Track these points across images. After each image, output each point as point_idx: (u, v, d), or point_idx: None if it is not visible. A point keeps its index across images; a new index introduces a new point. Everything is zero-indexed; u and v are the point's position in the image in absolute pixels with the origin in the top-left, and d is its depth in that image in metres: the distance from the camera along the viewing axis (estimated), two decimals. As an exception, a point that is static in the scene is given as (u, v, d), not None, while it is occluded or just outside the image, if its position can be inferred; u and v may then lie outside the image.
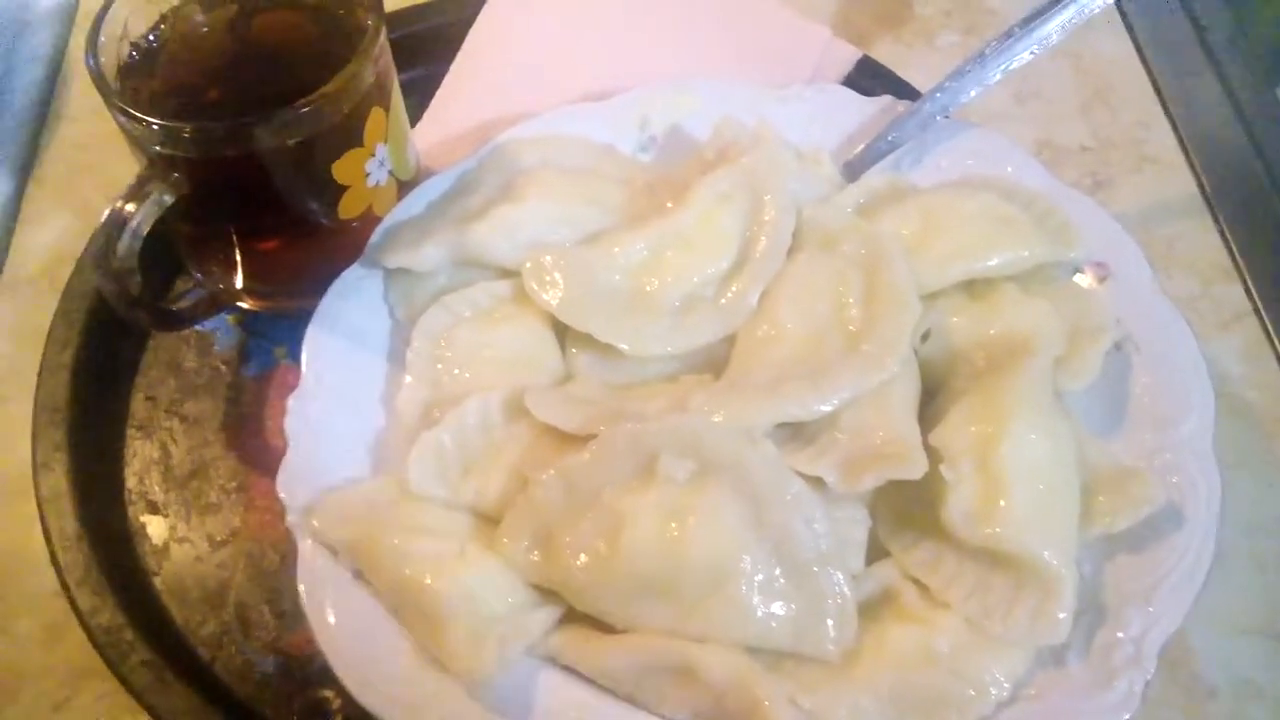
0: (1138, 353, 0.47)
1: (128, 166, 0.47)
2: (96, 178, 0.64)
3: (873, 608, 0.42)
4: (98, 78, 0.46)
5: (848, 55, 0.62)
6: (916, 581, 0.42)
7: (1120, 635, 0.40)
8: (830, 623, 0.40)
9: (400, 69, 0.52)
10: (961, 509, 0.41)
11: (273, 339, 0.56)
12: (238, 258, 0.51)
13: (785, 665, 0.40)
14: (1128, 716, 0.38)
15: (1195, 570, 0.41)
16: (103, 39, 0.47)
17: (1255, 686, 0.46)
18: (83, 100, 0.68)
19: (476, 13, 0.63)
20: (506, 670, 0.40)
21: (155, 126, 0.44)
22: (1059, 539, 0.40)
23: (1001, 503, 0.40)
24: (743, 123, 0.53)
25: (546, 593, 0.42)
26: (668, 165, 0.55)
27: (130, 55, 0.49)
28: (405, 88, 0.53)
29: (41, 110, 0.67)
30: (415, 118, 0.59)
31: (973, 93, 0.53)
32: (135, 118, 0.44)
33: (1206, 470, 0.43)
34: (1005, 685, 0.39)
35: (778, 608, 0.40)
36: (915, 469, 0.41)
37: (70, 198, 0.63)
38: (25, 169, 0.65)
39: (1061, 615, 0.39)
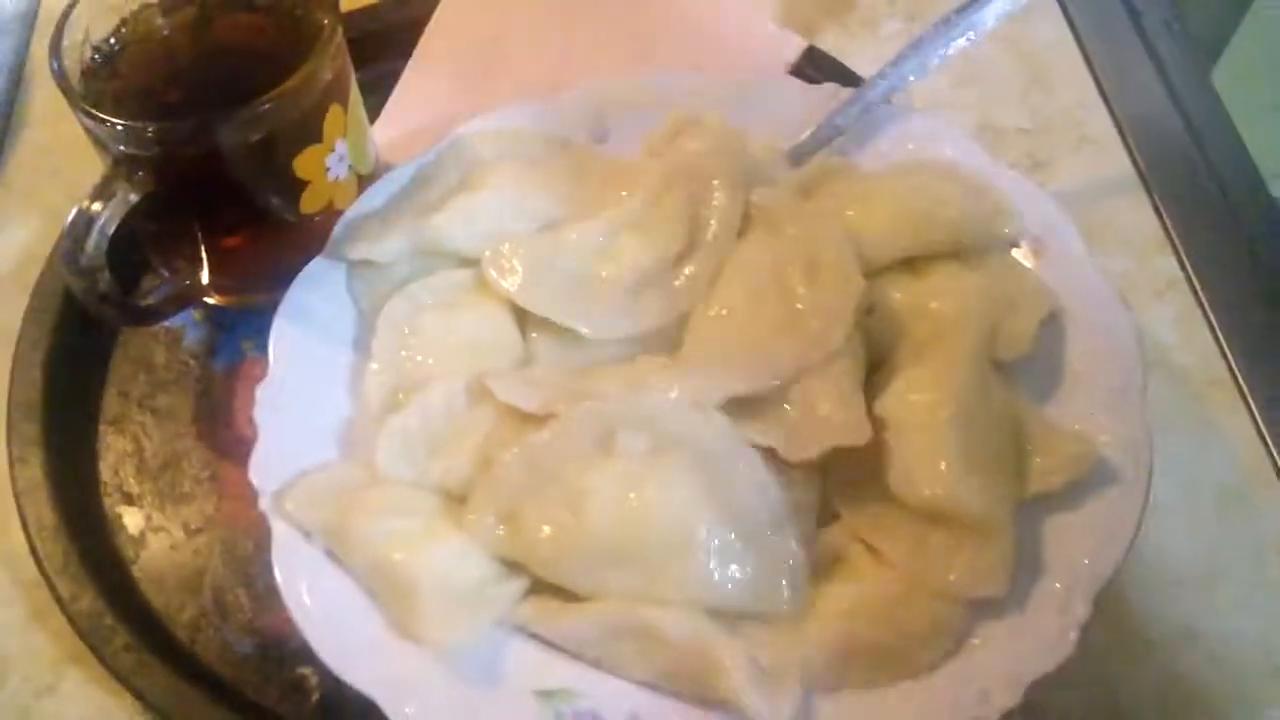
0: (1072, 323, 0.50)
1: (91, 169, 0.48)
2: (61, 181, 0.65)
3: (824, 568, 0.44)
4: (61, 80, 0.47)
5: (794, 45, 0.64)
6: (865, 542, 0.44)
7: (1056, 585, 0.42)
8: (784, 582, 0.42)
9: (358, 68, 0.53)
10: (904, 473, 0.43)
11: (240, 333, 0.57)
12: (203, 254, 0.53)
13: (744, 627, 0.42)
14: (1062, 658, 0.40)
15: (1127, 521, 0.43)
16: (65, 43, 0.48)
17: (1192, 633, 0.48)
18: (45, 106, 0.69)
19: (431, 12, 0.65)
20: (477, 640, 0.42)
21: (119, 127, 0.45)
22: (996, 498, 0.43)
23: (942, 465, 0.42)
24: (693, 113, 0.55)
25: (513, 565, 0.44)
26: (621, 156, 0.57)
27: (92, 58, 0.50)
28: (363, 86, 0.54)
29: (4, 117, 0.68)
30: (374, 115, 0.61)
31: (912, 79, 0.55)
32: (99, 119, 0.45)
33: (1137, 429, 0.45)
34: (948, 636, 0.41)
35: (734, 571, 0.42)
36: (860, 436, 0.43)
37: (36, 201, 0.64)
38: (-10, 174, 0.66)
39: (999, 569, 0.42)
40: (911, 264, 0.50)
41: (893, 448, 0.44)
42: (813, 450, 0.43)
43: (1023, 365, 0.48)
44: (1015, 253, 0.52)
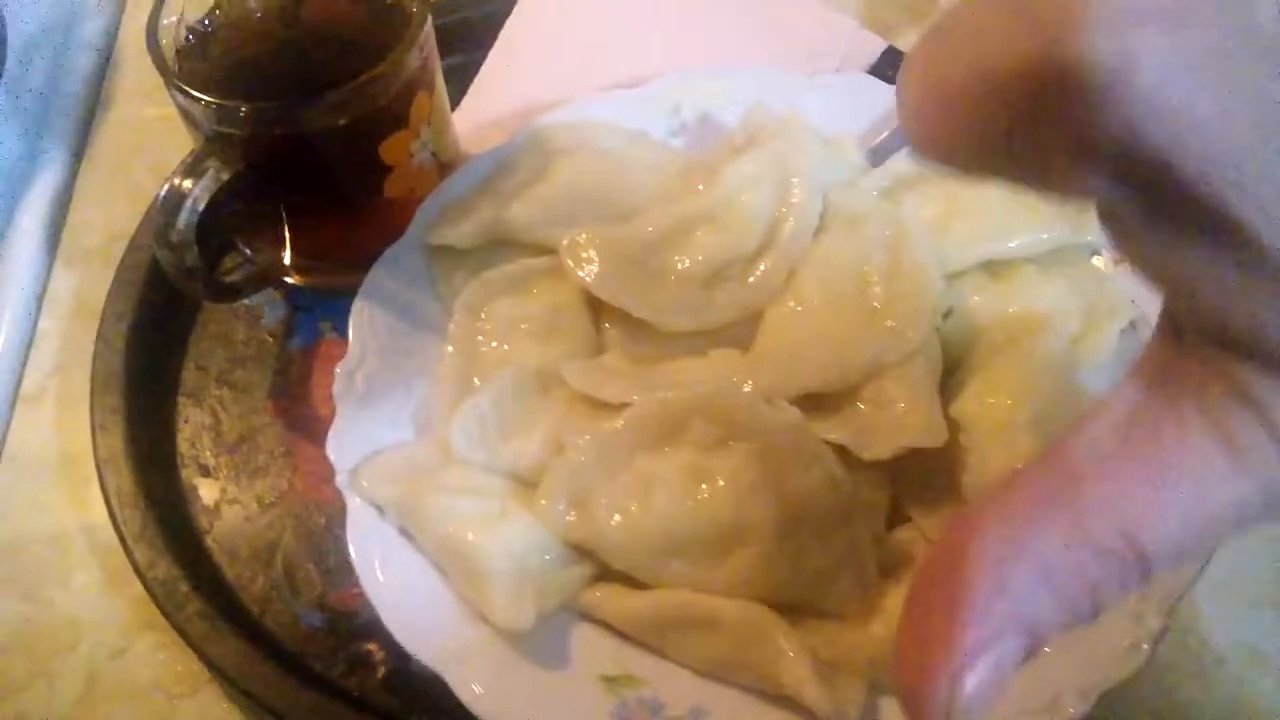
0: (1152, 331, 0.49)
1: (175, 148, 0.50)
2: (146, 159, 0.66)
3: (892, 568, 0.44)
4: (158, 59, 0.48)
5: (874, 45, 0.64)
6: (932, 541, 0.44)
7: (1130, 596, 0.42)
8: (850, 579, 0.42)
9: (441, 56, 0.54)
10: (979, 476, 0.43)
11: (318, 314, 0.58)
12: (286, 234, 0.54)
13: (806, 622, 0.42)
14: (1134, 669, 0.40)
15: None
16: (162, 23, 0.49)
17: (1261, 655, 0.48)
18: (132, 86, 0.71)
19: (513, 5, 0.65)
20: (545, 623, 0.43)
21: (212, 105, 0.46)
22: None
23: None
24: (771, 110, 0.55)
25: (581, 551, 0.44)
26: (698, 150, 0.57)
27: (186, 39, 0.51)
28: (446, 74, 0.55)
29: (94, 95, 0.70)
30: (455, 104, 0.61)
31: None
32: (194, 96, 0.46)
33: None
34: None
35: (800, 565, 0.42)
36: (935, 438, 0.43)
37: (122, 178, 0.66)
38: (79, 151, 0.67)
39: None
40: (991, 267, 0.50)
41: (967, 450, 0.43)
42: (886, 450, 0.43)
43: (1100, 372, 0.48)
44: (1095, 260, 0.51)
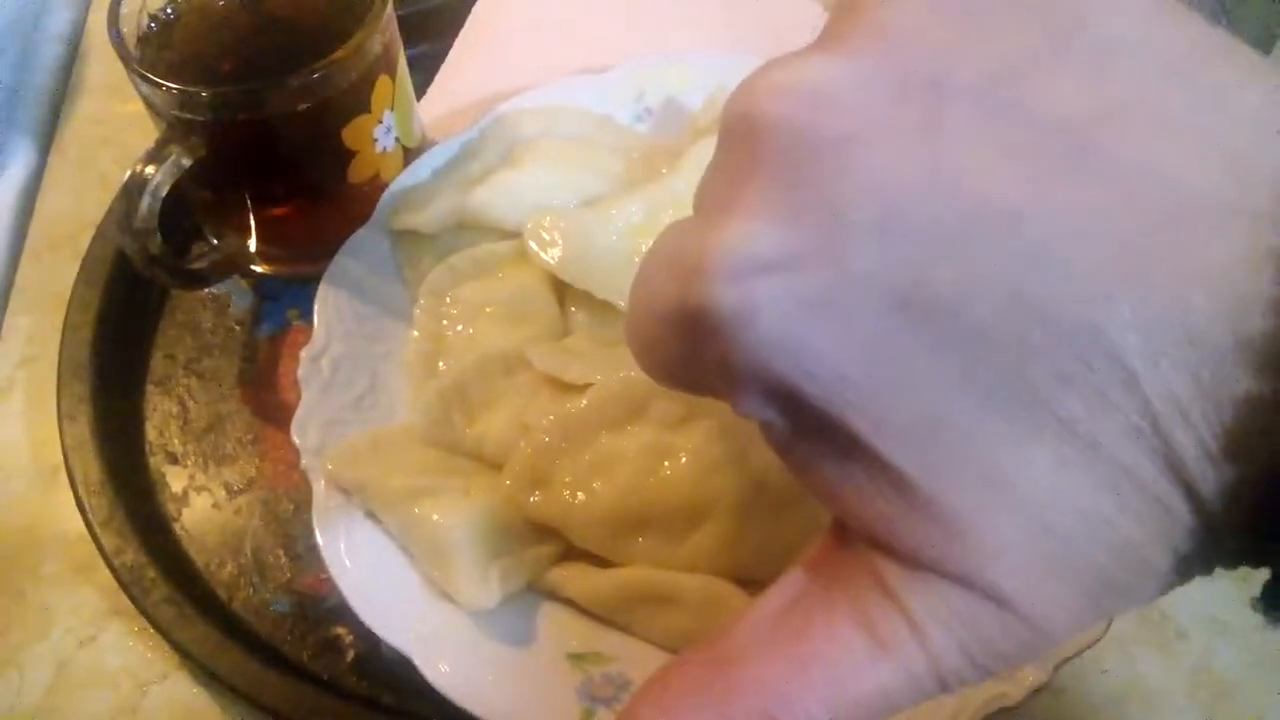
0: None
1: (143, 140, 0.49)
2: (113, 150, 0.66)
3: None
4: (119, 46, 0.48)
5: (838, 30, 0.64)
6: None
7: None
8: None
9: (406, 44, 0.54)
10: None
11: (285, 302, 0.58)
12: (251, 222, 0.54)
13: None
14: (1093, 640, 0.40)
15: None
16: (124, 11, 0.49)
17: (1222, 624, 0.48)
18: (100, 77, 0.70)
19: (479, -8, 0.66)
20: (511, 603, 0.43)
21: (173, 91, 0.46)
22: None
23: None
24: (735, 93, 0.55)
25: (546, 530, 0.45)
26: (663, 135, 0.57)
27: (149, 26, 0.51)
28: (411, 63, 0.55)
29: (61, 87, 0.70)
30: (420, 92, 0.62)
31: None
32: (154, 82, 0.46)
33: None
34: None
35: (762, 540, 0.42)
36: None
37: (89, 169, 0.66)
38: (46, 143, 0.67)
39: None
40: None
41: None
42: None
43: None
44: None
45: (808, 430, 0.22)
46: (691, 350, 0.22)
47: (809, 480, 0.23)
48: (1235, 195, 0.19)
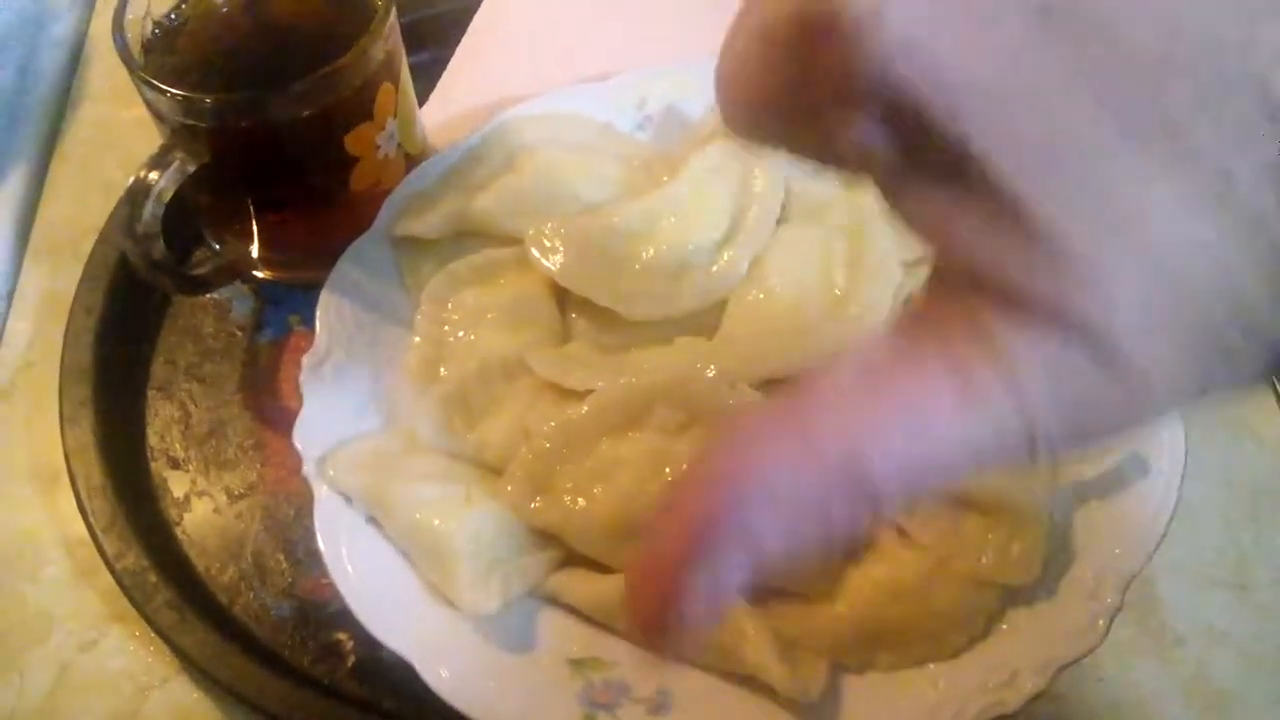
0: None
1: (146, 144, 0.50)
2: (116, 156, 0.66)
3: (855, 549, 0.44)
4: (124, 52, 0.48)
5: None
6: (897, 526, 0.45)
7: (1087, 574, 0.42)
8: (813, 561, 0.42)
9: (409, 52, 0.54)
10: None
11: (287, 307, 0.58)
12: (254, 228, 0.54)
13: (769, 603, 0.43)
14: (1091, 647, 0.41)
15: (1159, 515, 0.43)
16: (128, 17, 0.49)
17: (1220, 633, 0.48)
18: (102, 83, 0.71)
19: (480, 1, 0.66)
20: (512, 608, 0.43)
21: (177, 97, 0.47)
22: (1029, 485, 0.43)
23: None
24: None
25: (547, 536, 0.45)
26: (664, 143, 0.58)
27: (153, 33, 0.51)
28: (413, 71, 0.55)
29: (64, 93, 0.70)
30: (423, 99, 0.62)
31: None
32: (158, 89, 0.47)
33: (1171, 425, 0.46)
34: (978, 620, 0.42)
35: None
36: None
37: (91, 174, 0.66)
38: (49, 148, 0.67)
39: (1031, 555, 0.42)
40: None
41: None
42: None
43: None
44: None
45: (923, 155, 0.20)
46: (804, 66, 0.21)
47: (915, 214, 0.22)
48: None
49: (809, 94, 0.21)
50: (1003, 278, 0.20)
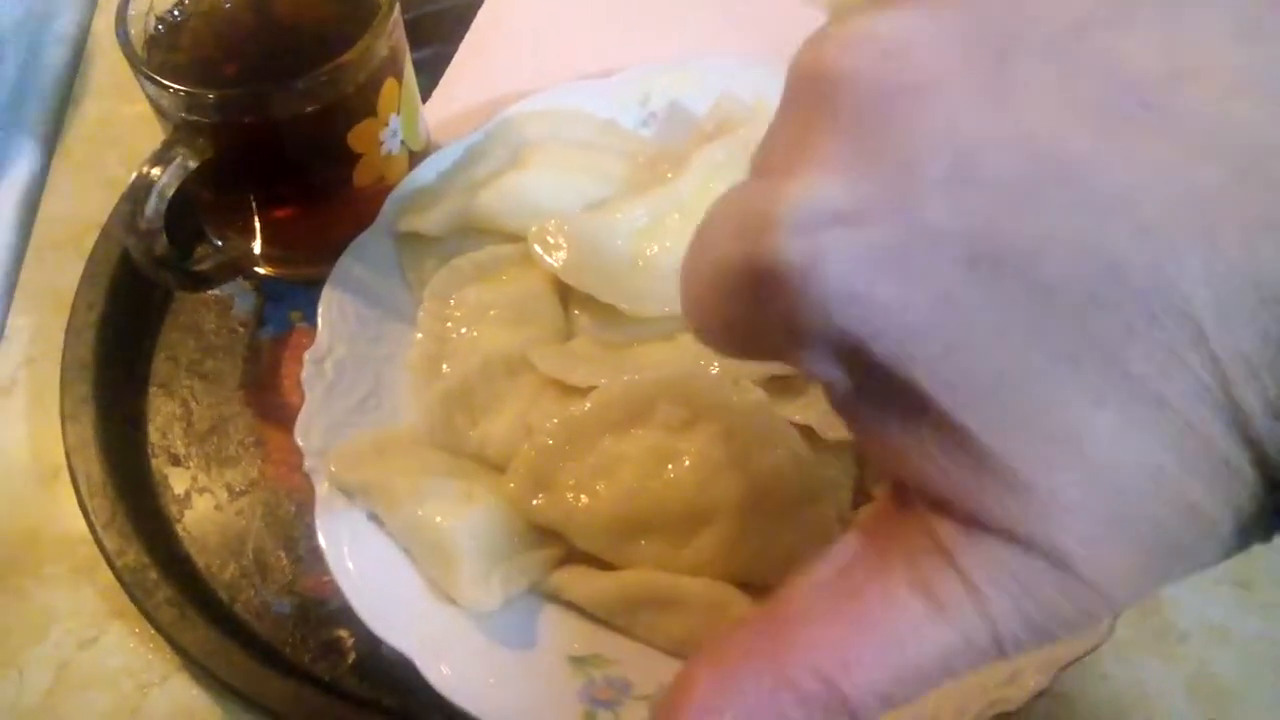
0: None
1: (148, 142, 0.50)
2: (118, 152, 0.66)
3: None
4: (127, 48, 0.48)
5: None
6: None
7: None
8: (815, 558, 0.42)
9: (412, 48, 0.54)
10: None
11: (289, 304, 0.58)
12: (256, 224, 0.54)
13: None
14: (1094, 645, 0.40)
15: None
16: (131, 12, 0.49)
17: (1223, 631, 0.48)
18: (105, 79, 0.71)
19: (484, -4, 0.66)
20: (513, 605, 0.43)
21: (180, 93, 0.47)
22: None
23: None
24: (740, 99, 0.56)
25: (549, 533, 0.45)
26: (667, 140, 0.57)
27: (156, 29, 0.51)
28: (417, 67, 0.55)
29: (66, 88, 0.70)
30: (426, 95, 0.62)
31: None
32: (161, 84, 0.47)
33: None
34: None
35: (765, 544, 0.43)
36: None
37: (94, 170, 0.66)
38: (51, 144, 0.67)
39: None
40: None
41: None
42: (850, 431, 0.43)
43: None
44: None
45: (872, 388, 0.22)
46: (754, 309, 0.22)
47: (871, 440, 0.23)
48: None
49: (763, 331, 0.22)
50: (956, 501, 0.21)
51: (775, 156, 0.22)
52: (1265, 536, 0.22)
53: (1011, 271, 0.20)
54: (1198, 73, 0.20)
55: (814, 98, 0.21)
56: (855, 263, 0.20)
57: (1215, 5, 0.20)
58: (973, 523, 0.21)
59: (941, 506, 0.22)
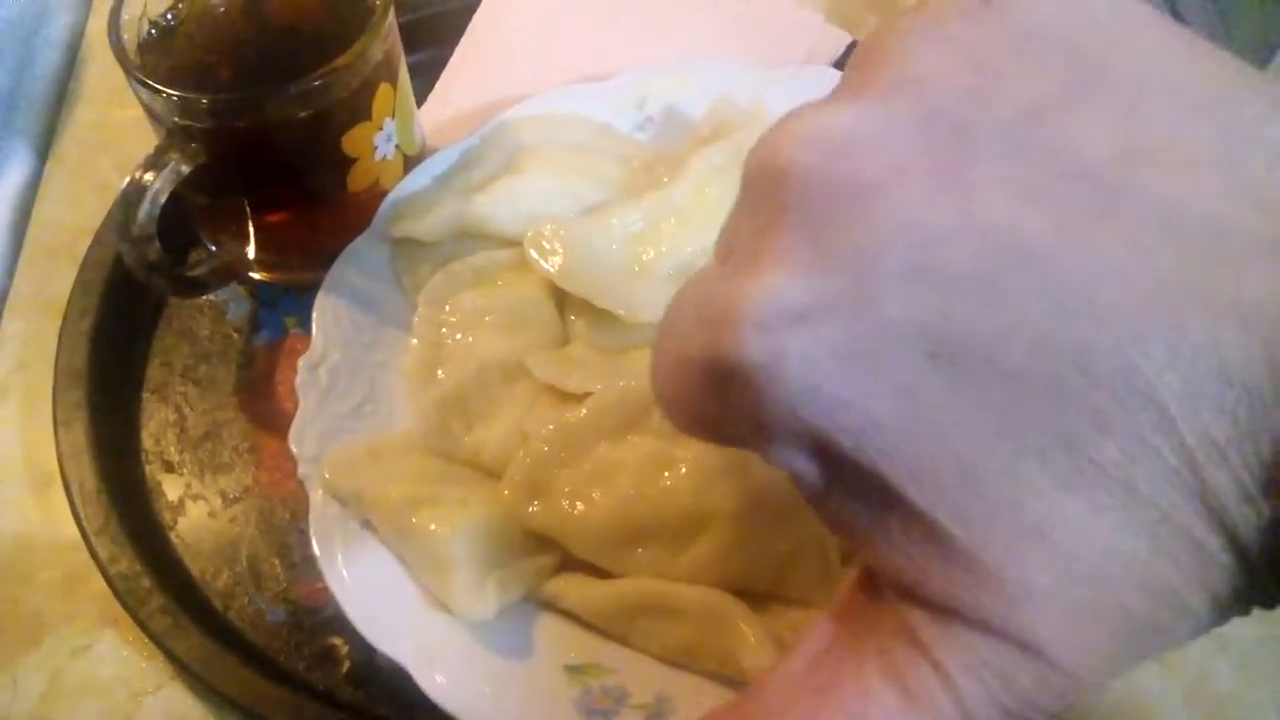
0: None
1: (142, 145, 0.49)
2: (112, 157, 0.66)
3: (854, 555, 0.44)
4: (120, 53, 0.48)
5: (839, 40, 0.64)
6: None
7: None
8: (812, 565, 0.42)
9: (407, 52, 0.54)
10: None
11: (283, 309, 0.58)
12: (250, 229, 0.53)
13: (770, 608, 0.42)
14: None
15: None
16: (124, 17, 0.49)
17: (1223, 638, 0.48)
18: (99, 84, 0.70)
19: (479, 1, 0.66)
20: (509, 613, 0.43)
21: (173, 97, 0.46)
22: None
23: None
24: (736, 103, 0.56)
25: (544, 541, 0.44)
26: (663, 144, 0.57)
27: (149, 33, 0.51)
28: (412, 70, 0.55)
29: (59, 93, 0.70)
30: (421, 99, 0.61)
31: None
32: (154, 89, 0.46)
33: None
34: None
35: (762, 551, 0.42)
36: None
37: (87, 176, 0.65)
38: (44, 149, 0.67)
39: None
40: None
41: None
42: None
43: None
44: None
45: (842, 481, 0.22)
46: (721, 402, 0.22)
47: (841, 530, 0.23)
48: (1265, 230, 0.19)
49: (731, 424, 0.23)
50: (926, 590, 0.22)
51: (738, 245, 0.23)
52: (1243, 610, 0.22)
53: (973, 363, 0.20)
54: (1154, 152, 0.20)
55: (771, 193, 0.22)
56: (817, 360, 0.20)
57: (1173, 83, 0.20)
58: (944, 611, 0.21)
59: (913, 594, 0.22)
